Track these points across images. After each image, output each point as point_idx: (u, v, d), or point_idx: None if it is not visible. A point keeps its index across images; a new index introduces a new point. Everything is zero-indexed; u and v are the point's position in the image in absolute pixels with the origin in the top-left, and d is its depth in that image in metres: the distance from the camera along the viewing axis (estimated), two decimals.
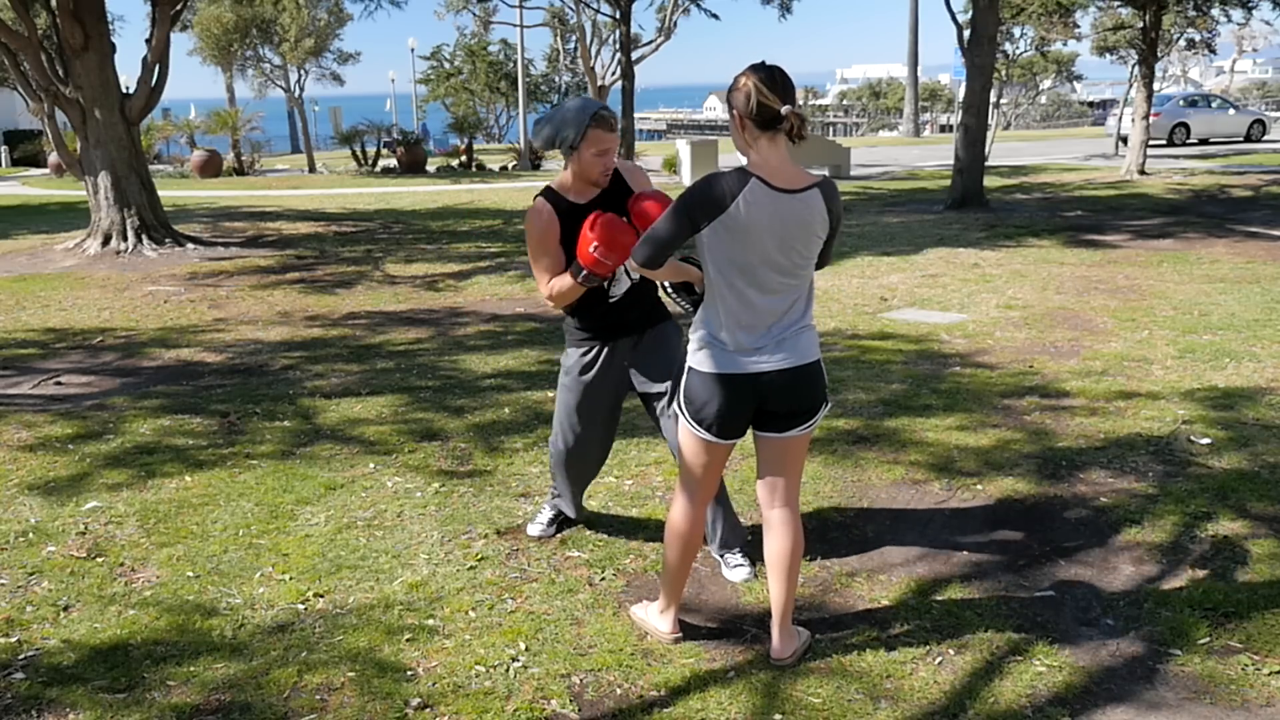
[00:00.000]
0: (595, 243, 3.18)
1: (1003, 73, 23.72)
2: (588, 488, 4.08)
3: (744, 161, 2.88)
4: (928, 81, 50.44)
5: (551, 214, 3.43)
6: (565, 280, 3.38)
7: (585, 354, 3.62)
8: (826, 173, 20.14)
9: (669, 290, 3.20)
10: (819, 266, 3.01)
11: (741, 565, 3.68)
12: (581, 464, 3.83)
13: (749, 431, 3.08)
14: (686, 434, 3.03)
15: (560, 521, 4.04)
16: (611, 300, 3.55)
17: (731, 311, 2.87)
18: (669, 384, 3.56)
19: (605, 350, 3.61)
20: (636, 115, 17.28)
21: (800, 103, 2.96)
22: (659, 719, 2.84)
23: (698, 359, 2.96)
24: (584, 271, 3.29)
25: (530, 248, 3.48)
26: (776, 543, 3.07)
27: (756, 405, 2.96)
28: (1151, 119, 19.87)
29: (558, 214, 3.42)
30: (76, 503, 4.39)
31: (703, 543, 3.49)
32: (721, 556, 3.73)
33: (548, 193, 3.49)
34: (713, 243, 2.83)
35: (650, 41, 24.49)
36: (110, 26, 11.65)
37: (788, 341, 2.90)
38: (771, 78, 2.77)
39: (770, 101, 2.75)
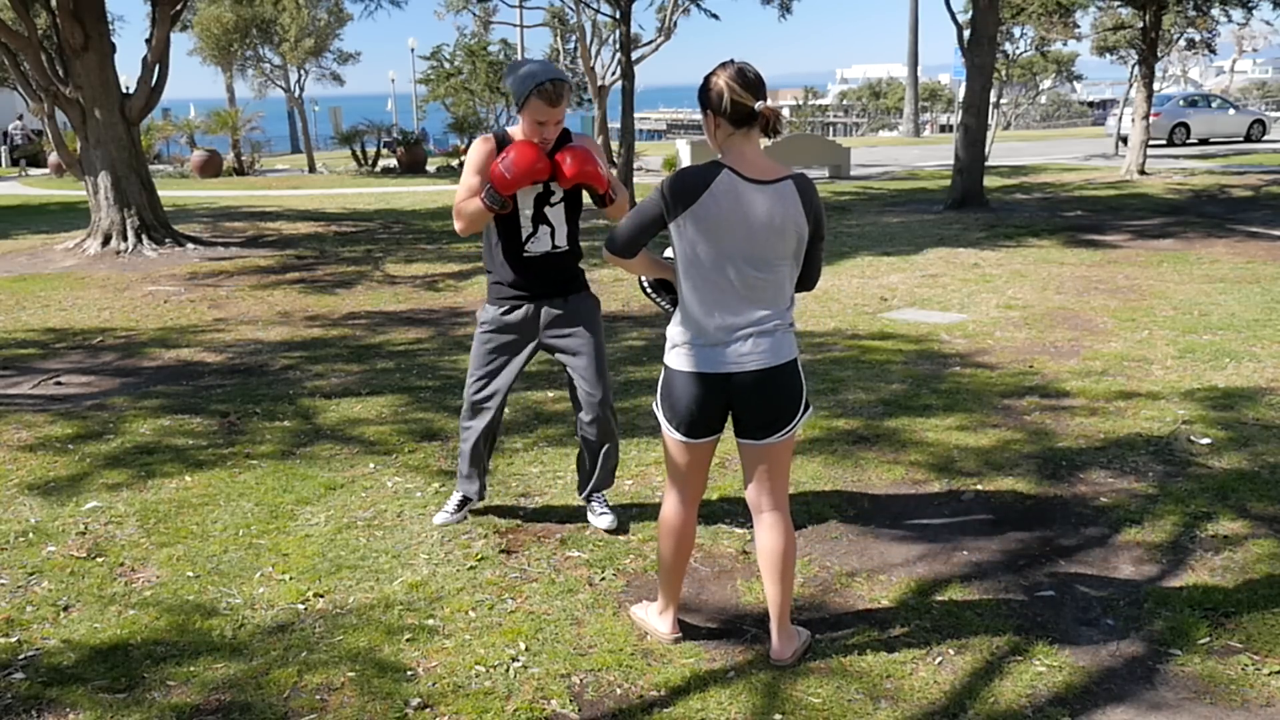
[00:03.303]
0: (506, 157, 3.46)
1: (1003, 73, 23.72)
2: (489, 464, 4.22)
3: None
4: (928, 81, 50.34)
5: (493, 147, 3.64)
6: (474, 201, 3.59)
7: (502, 311, 3.80)
8: (826, 173, 20.18)
9: (648, 289, 3.20)
10: (807, 283, 3.00)
11: (606, 513, 4.05)
12: (482, 419, 3.93)
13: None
14: (665, 434, 3.05)
15: (466, 506, 4.14)
16: (527, 256, 3.73)
17: (705, 308, 2.87)
18: (586, 357, 3.78)
19: (521, 309, 3.78)
20: (636, 115, 17.27)
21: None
22: (659, 719, 2.84)
23: (672, 357, 2.97)
24: (490, 188, 3.51)
25: (464, 170, 3.69)
26: (769, 544, 3.07)
27: (728, 405, 2.96)
28: (1151, 119, 19.87)
29: (498, 149, 3.62)
30: (76, 503, 4.39)
31: (695, 540, 3.53)
32: (589, 503, 4.07)
33: (500, 133, 3.69)
34: (685, 234, 2.84)
35: (650, 41, 24.45)
36: (110, 26, 11.64)
37: (760, 341, 2.89)
38: (743, 75, 2.79)
39: (744, 99, 2.77)
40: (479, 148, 3.68)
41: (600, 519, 4.06)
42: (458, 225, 3.68)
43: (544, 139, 3.55)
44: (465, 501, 4.15)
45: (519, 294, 3.78)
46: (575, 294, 3.83)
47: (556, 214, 3.73)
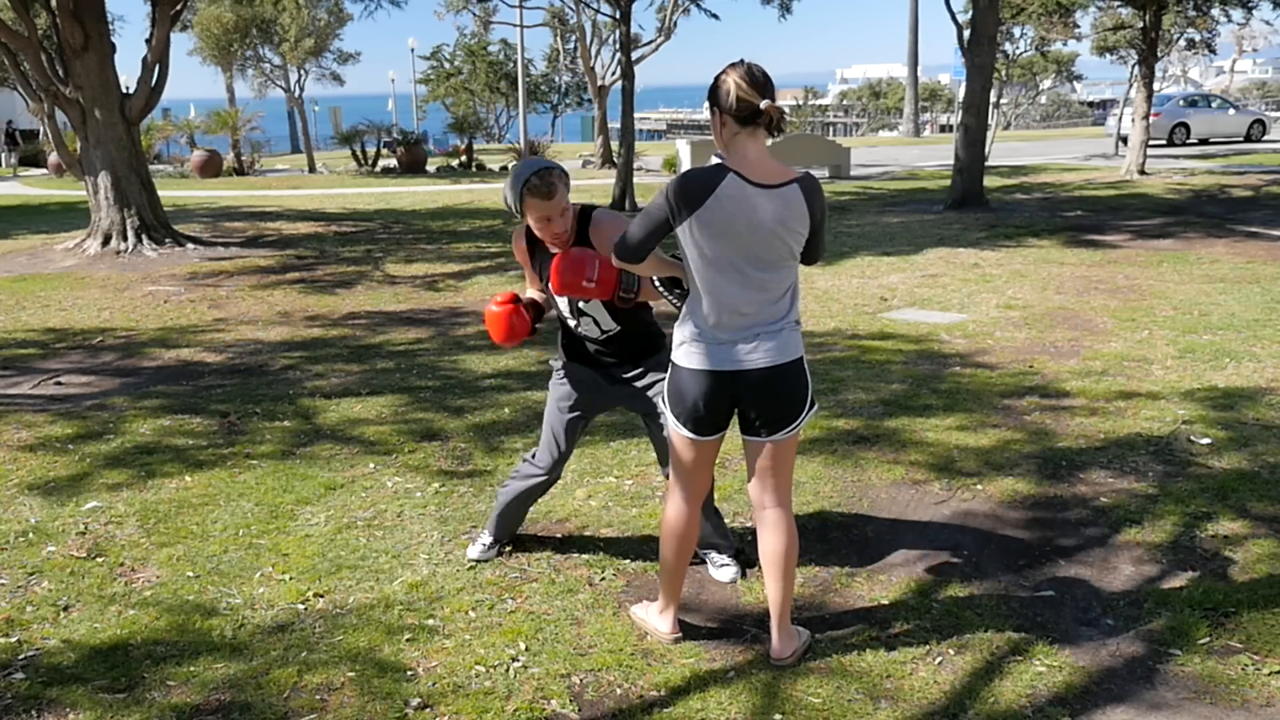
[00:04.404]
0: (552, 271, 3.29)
1: (1003, 73, 23.72)
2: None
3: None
4: (928, 81, 50.36)
5: (521, 237, 3.55)
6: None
7: (559, 367, 3.66)
8: (826, 173, 20.17)
9: (657, 285, 3.20)
10: (810, 261, 3.01)
11: (728, 565, 3.67)
12: (547, 479, 3.70)
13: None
14: (672, 431, 3.06)
15: (502, 543, 3.87)
16: (579, 334, 3.55)
17: (713, 307, 2.88)
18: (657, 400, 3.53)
19: (576, 370, 3.60)
20: (636, 115, 17.26)
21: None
22: (659, 719, 2.84)
23: (680, 354, 2.98)
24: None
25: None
26: (771, 543, 3.07)
27: (735, 403, 2.97)
28: (1151, 119, 19.87)
29: (527, 241, 3.52)
30: (76, 503, 4.39)
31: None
32: (706, 556, 3.72)
33: (527, 229, 3.51)
34: (691, 238, 2.84)
35: (650, 41, 24.49)
36: (110, 26, 11.64)
37: (768, 339, 2.90)
38: (751, 74, 2.80)
39: (750, 97, 2.77)
40: (518, 243, 3.59)
41: (721, 571, 3.67)
42: None
43: (552, 235, 3.34)
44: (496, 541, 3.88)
45: (569, 356, 3.62)
46: (641, 360, 3.57)
47: (593, 307, 3.46)
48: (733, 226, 2.80)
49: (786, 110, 2.93)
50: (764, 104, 2.78)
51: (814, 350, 6.76)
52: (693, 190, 2.81)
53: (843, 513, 4.21)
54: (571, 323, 3.54)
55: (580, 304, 3.46)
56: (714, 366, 2.91)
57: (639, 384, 3.56)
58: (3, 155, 29.32)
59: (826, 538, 3.97)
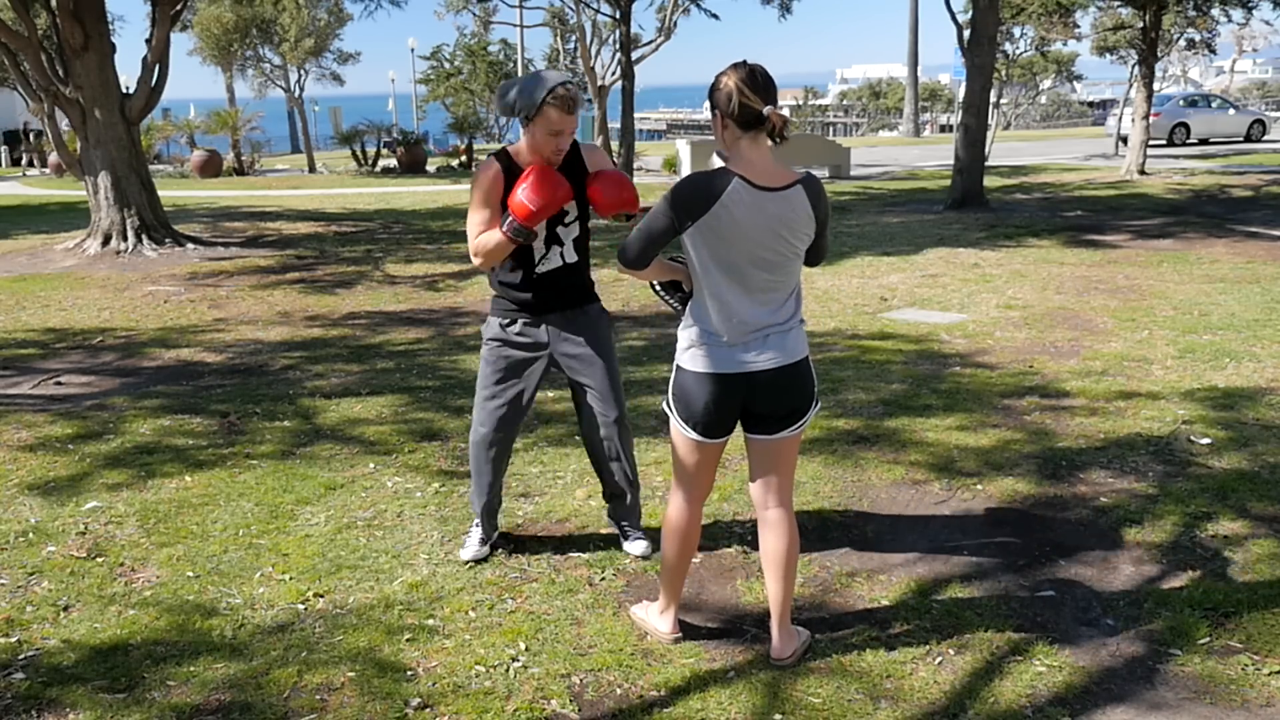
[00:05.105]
0: (526, 188, 3.20)
1: (1003, 73, 23.72)
2: (501, 494, 3.88)
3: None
4: (928, 81, 50.35)
5: (499, 172, 3.39)
6: (494, 234, 3.35)
7: (508, 324, 3.59)
8: (826, 173, 20.17)
9: (657, 289, 3.20)
10: (814, 263, 3.01)
11: (640, 539, 3.84)
12: (496, 448, 3.69)
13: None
14: (676, 433, 3.05)
15: (494, 540, 3.88)
16: (538, 273, 3.51)
17: (719, 310, 2.87)
18: (601, 375, 3.59)
19: (529, 324, 3.57)
20: (636, 115, 17.27)
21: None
22: (659, 719, 2.84)
23: (686, 358, 2.96)
24: (512, 221, 3.26)
25: (471, 201, 3.44)
26: (773, 542, 3.07)
27: (744, 404, 2.96)
28: (1151, 119, 19.87)
29: (505, 175, 3.39)
30: (76, 503, 4.39)
31: (699, 541, 3.51)
32: (621, 529, 3.89)
33: (501, 154, 3.45)
34: (697, 243, 2.83)
35: (650, 41, 24.47)
36: (110, 26, 11.64)
37: (776, 340, 2.90)
38: (753, 77, 2.75)
39: (752, 102, 2.73)
40: (484, 176, 3.40)
41: (634, 544, 3.84)
42: (477, 260, 3.43)
43: (558, 149, 3.30)
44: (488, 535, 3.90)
45: (527, 311, 3.56)
46: (586, 304, 3.61)
47: (568, 231, 3.50)
48: (739, 232, 2.78)
49: (784, 112, 2.91)
50: (767, 110, 2.74)
51: (814, 350, 6.75)
52: (697, 197, 2.79)
53: (843, 513, 4.21)
54: (539, 254, 3.49)
55: (559, 229, 3.49)
56: (723, 370, 2.90)
57: (577, 350, 3.58)
58: (14, 155, 29.30)
59: (826, 538, 3.97)
